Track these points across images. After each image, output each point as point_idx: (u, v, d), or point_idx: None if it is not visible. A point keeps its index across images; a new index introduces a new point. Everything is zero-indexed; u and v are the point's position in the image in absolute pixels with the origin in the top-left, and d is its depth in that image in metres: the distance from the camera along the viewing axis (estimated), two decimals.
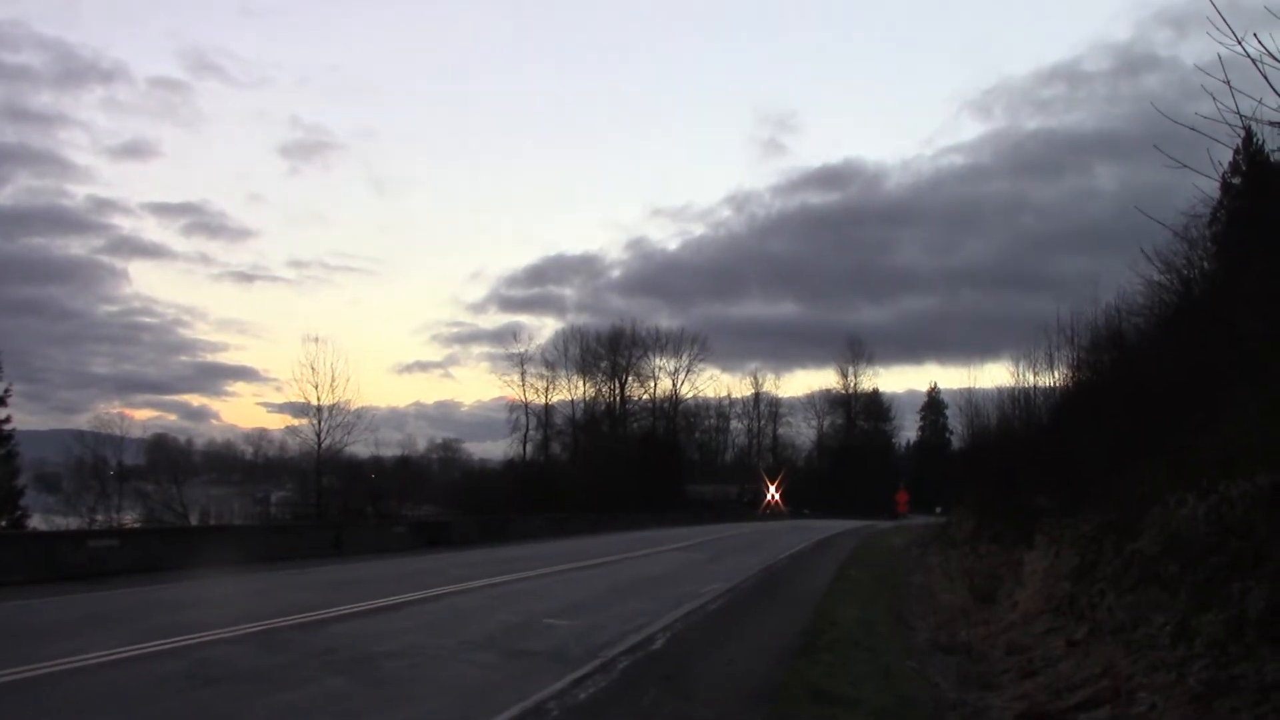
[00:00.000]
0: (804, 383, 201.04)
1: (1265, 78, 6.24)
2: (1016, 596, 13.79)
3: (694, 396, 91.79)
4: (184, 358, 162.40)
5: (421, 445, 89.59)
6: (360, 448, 53.38)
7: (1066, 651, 9.45)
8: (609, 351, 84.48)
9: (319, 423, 46.10)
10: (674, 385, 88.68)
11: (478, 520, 39.48)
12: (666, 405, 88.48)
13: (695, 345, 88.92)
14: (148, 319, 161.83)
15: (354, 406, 47.50)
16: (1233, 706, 6.17)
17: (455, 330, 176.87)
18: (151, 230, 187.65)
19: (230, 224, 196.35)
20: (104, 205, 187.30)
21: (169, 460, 64.64)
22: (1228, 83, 6.51)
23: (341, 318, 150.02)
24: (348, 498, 54.27)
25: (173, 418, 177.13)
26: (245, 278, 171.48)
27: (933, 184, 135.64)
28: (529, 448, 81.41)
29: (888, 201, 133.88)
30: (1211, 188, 13.45)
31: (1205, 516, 9.19)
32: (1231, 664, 6.68)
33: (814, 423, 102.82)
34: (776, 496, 79.46)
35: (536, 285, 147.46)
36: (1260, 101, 6.46)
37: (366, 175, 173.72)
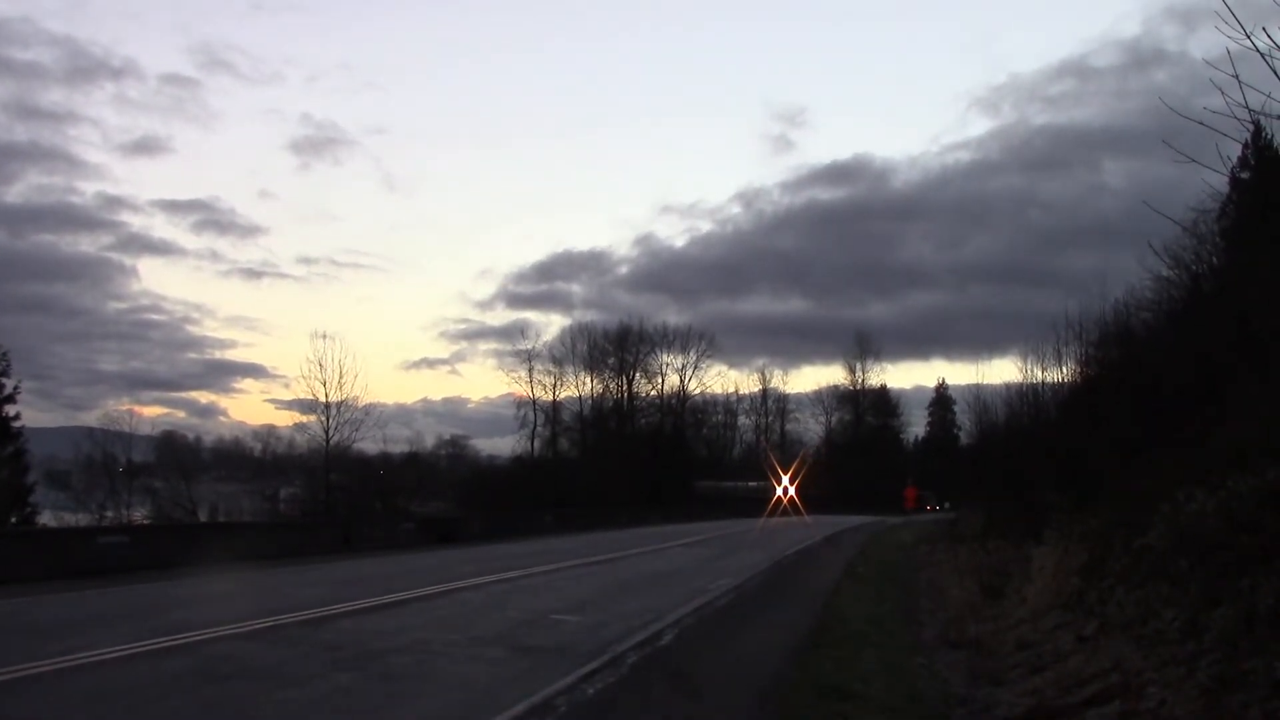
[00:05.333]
0: (812, 379, 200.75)
1: (1274, 71, 6.22)
2: (1025, 592, 13.76)
3: (701, 393, 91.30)
4: (192, 355, 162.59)
5: (430, 442, 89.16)
6: (368, 444, 53.58)
7: (1076, 647, 9.43)
8: (616, 348, 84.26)
9: (327, 419, 46.34)
10: (681, 382, 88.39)
11: (486, 516, 39.58)
12: (674, 402, 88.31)
13: (703, 342, 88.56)
14: (157, 316, 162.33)
15: (362, 403, 47.71)
16: (1242, 702, 6.16)
17: (463, 327, 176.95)
18: (161, 227, 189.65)
19: (240, 221, 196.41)
20: (114, 202, 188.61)
21: (178, 457, 64.45)
22: (1236, 77, 6.50)
23: (350, 314, 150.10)
24: (356, 494, 54.38)
25: (181, 415, 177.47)
26: (254, 274, 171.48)
27: (941, 180, 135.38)
28: (537, 444, 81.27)
29: (896, 198, 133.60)
30: (1220, 182, 13.38)
31: (1215, 512, 9.16)
32: (1241, 659, 6.66)
33: (822, 419, 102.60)
34: (792, 492, 70.46)
35: (544, 282, 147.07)
36: (1269, 95, 6.44)
37: (376, 172, 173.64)
